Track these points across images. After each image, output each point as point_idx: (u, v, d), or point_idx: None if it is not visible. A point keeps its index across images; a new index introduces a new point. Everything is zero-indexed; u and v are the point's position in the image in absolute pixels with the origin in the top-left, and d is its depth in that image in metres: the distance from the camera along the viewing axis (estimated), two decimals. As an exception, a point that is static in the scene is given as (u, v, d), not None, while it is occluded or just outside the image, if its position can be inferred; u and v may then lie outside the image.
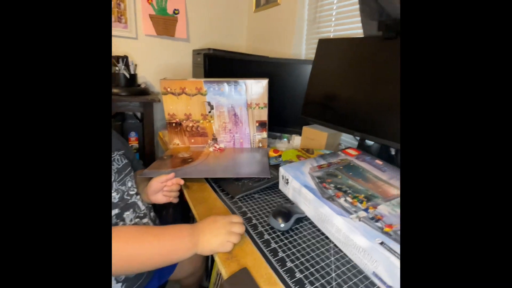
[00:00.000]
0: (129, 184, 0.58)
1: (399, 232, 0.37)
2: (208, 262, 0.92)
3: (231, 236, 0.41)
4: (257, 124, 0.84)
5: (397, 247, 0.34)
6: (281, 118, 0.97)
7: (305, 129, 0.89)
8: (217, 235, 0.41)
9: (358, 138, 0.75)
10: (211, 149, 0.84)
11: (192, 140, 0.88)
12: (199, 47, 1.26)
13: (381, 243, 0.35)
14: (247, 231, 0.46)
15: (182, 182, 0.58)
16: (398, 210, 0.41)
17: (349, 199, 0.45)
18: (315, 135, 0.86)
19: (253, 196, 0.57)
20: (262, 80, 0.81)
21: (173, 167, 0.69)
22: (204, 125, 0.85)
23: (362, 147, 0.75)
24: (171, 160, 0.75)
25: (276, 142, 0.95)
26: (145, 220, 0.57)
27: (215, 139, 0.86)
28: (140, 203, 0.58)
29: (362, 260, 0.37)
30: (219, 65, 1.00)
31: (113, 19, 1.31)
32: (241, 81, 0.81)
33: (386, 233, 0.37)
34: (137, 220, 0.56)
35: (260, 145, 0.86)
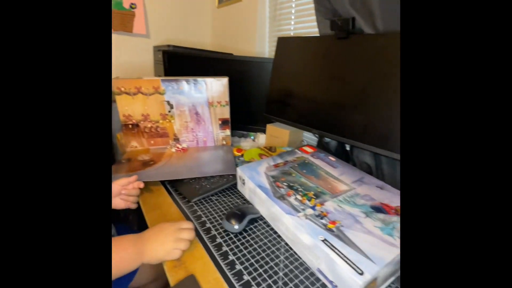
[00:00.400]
0: None
1: (341, 228, 0.38)
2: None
3: (179, 243, 0.39)
4: (219, 122, 0.83)
5: (338, 243, 0.35)
6: (247, 117, 0.97)
7: (269, 127, 0.90)
8: (164, 243, 0.39)
9: (317, 135, 0.77)
10: (173, 149, 0.81)
11: (152, 142, 0.84)
12: (160, 44, 1.20)
13: (323, 240, 0.36)
14: (199, 235, 0.45)
15: (142, 185, 0.55)
16: (343, 206, 0.43)
17: (299, 197, 0.46)
18: (278, 132, 0.87)
19: (211, 198, 0.56)
20: (222, 78, 0.80)
21: (133, 170, 0.65)
22: (164, 125, 0.82)
23: (321, 144, 0.77)
24: (130, 163, 0.71)
25: (241, 141, 0.95)
26: None
27: (176, 139, 0.84)
28: None
29: (308, 257, 0.38)
30: (181, 62, 0.97)
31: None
32: (201, 79, 0.80)
33: (329, 230, 0.38)
34: None
35: (224, 142, 0.85)
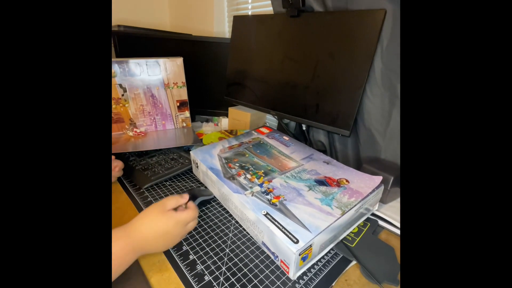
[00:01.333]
0: None
1: (284, 202, 0.39)
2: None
3: (186, 232, 0.38)
4: (178, 104, 0.81)
5: (278, 216, 0.37)
6: (209, 100, 0.94)
7: (231, 110, 0.89)
8: (173, 242, 0.37)
9: (276, 116, 0.77)
10: (131, 133, 0.77)
11: (106, 129, 0.79)
12: (112, 24, 1.09)
13: (266, 214, 0.37)
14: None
15: (121, 164, 0.53)
16: (290, 181, 0.44)
17: (248, 176, 0.46)
18: (240, 116, 0.86)
19: (164, 184, 0.55)
20: (176, 59, 0.77)
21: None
22: (118, 110, 0.77)
23: (280, 125, 0.78)
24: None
25: (203, 125, 0.93)
26: None
27: (133, 124, 0.79)
28: None
29: (253, 232, 0.39)
30: (133, 44, 0.90)
31: None
32: (154, 60, 0.75)
33: (273, 204, 0.39)
34: None
35: (184, 124, 0.83)
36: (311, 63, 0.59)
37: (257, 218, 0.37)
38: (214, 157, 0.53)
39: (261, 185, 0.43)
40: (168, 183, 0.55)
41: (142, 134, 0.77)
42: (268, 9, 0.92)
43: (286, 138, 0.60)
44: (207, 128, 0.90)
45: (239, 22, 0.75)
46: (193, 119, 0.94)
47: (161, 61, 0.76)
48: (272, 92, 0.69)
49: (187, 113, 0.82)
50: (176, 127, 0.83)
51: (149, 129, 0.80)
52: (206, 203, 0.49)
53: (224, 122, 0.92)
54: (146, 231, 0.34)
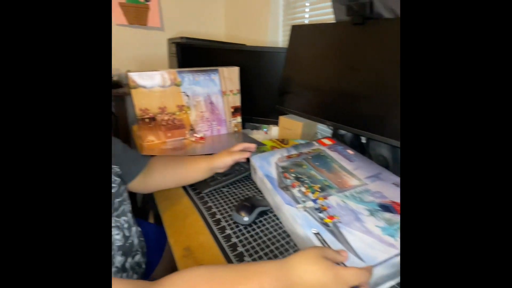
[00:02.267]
0: (129, 215, 0.48)
1: (338, 224, 0.37)
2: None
3: None
4: (232, 110, 0.85)
5: (329, 239, 0.35)
6: (260, 108, 0.96)
7: (282, 119, 0.88)
8: None
9: (331, 127, 0.74)
10: (192, 138, 0.83)
11: (169, 134, 0.85)
12: (174, 36, 1.20)
13: (316, 234, 0.35)
14: (209, 226, 0.46)
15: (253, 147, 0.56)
16: (348, 201, 0.42)
17: (303, 189, 0.45)
18: (291, 125, 0.86)
19: (222, 190, 0.57)
20: (233, 68, 0.81)
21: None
22: (181, 116, 0.83)
23: (336, 137, 0.74)
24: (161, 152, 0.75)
25: (254, 133, 0.94)
26: (137, 258, 0.49)
27: (192, 130, 0.85)
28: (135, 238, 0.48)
29: (302, 248, 0.38)
30: (194, 54, 0.97)
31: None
32: (214, 69, 0.80)
33: (325, 224, 0.37)
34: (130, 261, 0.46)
35: (236, 129, 0.88)
36: (375, 72, 0.55)
37: (306, 235, 0.35)
38: (272, 165, 0.53)
39: (315, 201, 0.42)
40: (225, 189, 0.57)
41: (202, 139, 0.82)
42: (326, 17, 0.90)
43: (350, 152, 0.57)
44: (257, 136, 0.91)
45: (298, 31, 0.75)
46: (243, 126, 0.96)
47: (221, 70, 0.80)
48: (329, 102, 0.67)
49: (239, 119, 0.87)
50: (229, 132, 0.87)
51: (206, 134, 0.85)
52: (264, 214, 0.49)
53: (274, 131, 0.92)
54: (301, 273, 0.28)
